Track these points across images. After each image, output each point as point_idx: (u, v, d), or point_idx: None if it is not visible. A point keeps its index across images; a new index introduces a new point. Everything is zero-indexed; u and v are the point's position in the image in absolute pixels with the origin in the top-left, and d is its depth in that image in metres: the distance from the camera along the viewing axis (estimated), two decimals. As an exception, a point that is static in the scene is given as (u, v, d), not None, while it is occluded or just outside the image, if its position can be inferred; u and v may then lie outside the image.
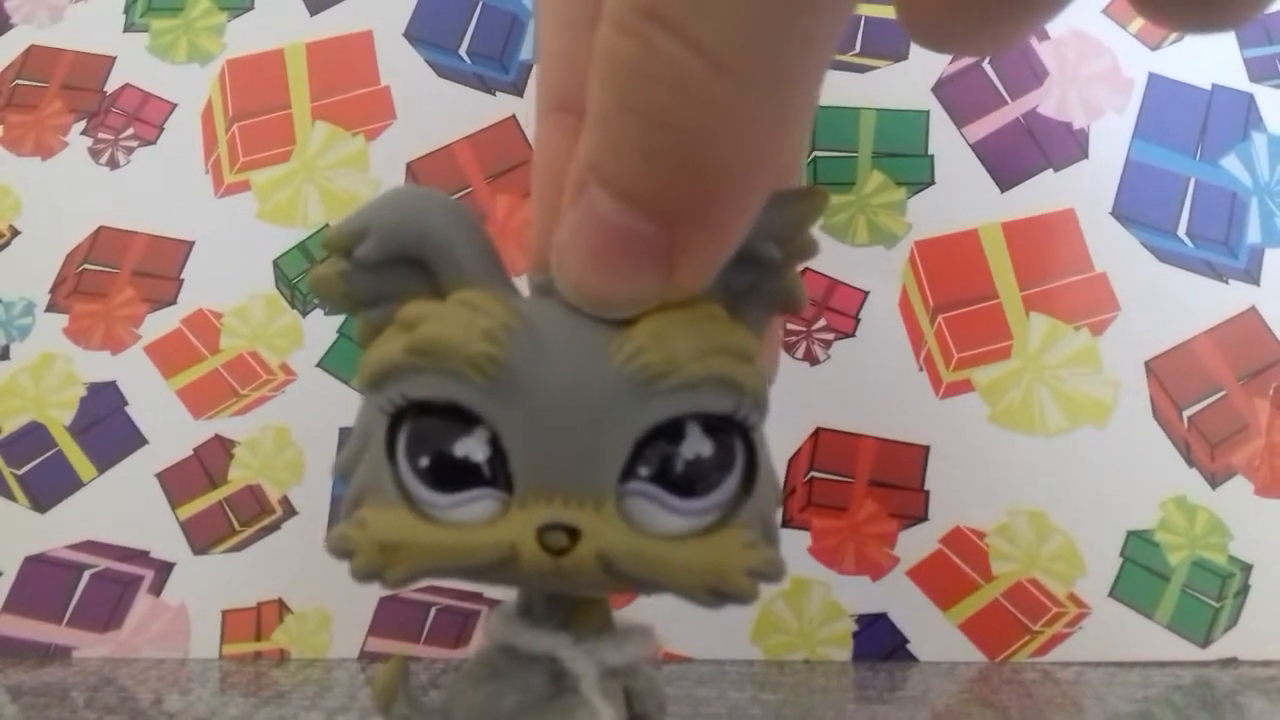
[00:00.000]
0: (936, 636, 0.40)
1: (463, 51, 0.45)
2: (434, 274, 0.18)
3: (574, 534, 0.17)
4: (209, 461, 0.42)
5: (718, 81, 0.14)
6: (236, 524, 0.42)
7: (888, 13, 0.43)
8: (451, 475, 0.17)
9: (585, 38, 0.20)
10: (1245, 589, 0.40)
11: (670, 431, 0.18)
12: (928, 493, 0.41)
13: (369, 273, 0.18)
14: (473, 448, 0.17)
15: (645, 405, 0.17)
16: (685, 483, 0.18)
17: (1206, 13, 0.17)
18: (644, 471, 0.17)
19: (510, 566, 0.17)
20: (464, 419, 0.17)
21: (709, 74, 0.14)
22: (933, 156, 0.43)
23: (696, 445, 0.18)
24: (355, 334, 0.19)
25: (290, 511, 0.42)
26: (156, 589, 0.42)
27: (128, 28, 0.46)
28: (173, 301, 0.44)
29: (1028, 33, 0.21)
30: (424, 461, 0.17)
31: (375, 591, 0.41)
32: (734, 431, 0.18)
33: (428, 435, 0.18)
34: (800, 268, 0.20)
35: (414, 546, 0.17)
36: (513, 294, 0.18)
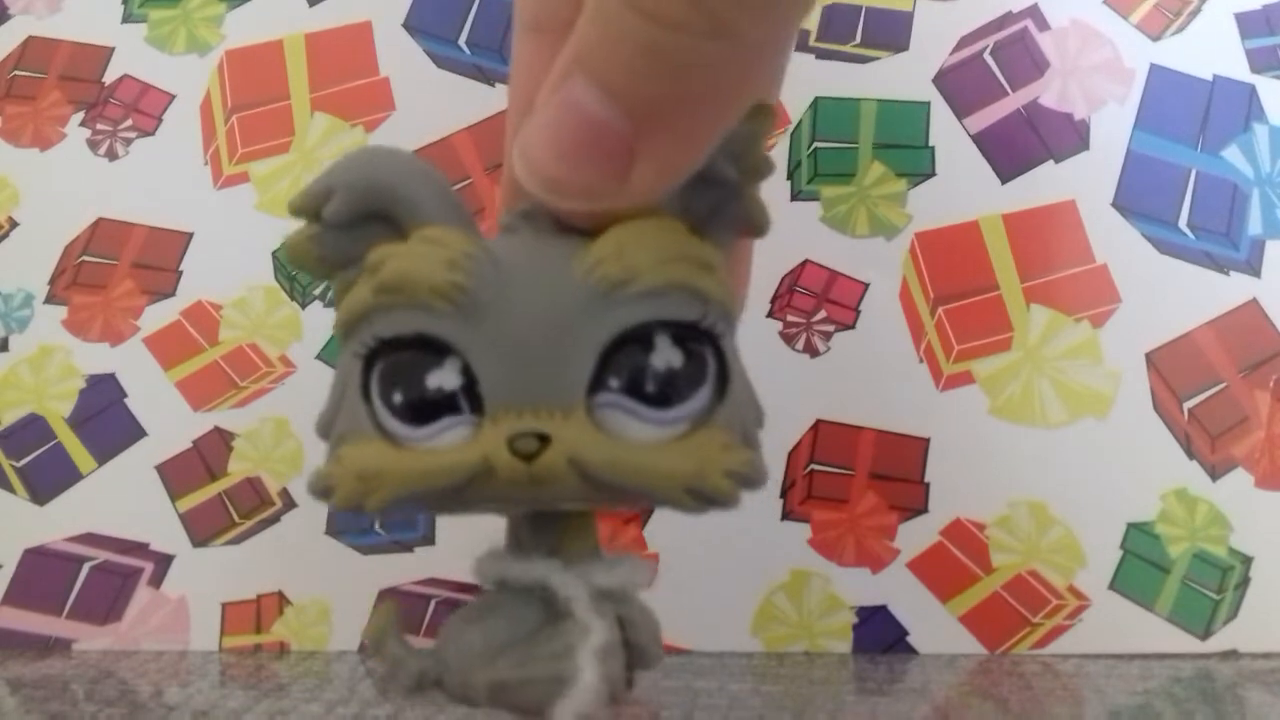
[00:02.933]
0: (936, 628, 0.40)
1: (462, 42, 0.45)
2: (402, 228, 0.18)
3: (545, 440, 0.17)
4: (208, 454, 0.42)
5: None
6: (236, 516, 0.42)
7: (888, 3, 0.43)
8: (425, 408, 0.18)
9: None
10: (1245, 581, 0.40)
11: (640, 341, 0.18)
12: (928, 485, 0.41)
13: (339, 233, 0.19)
14: (445, 378, 0.18)
15: (608, 314, 0.17)
16: (657, 392, 0.18)
17: None
18: (614, 383, 0.18)
19: (485, 481, 0.17)
20: (434, 350, 0.18)
21: None
22: (933, 148, 0.42)
23: (666, 355, 0.18)
24: (334, 300, 0.19)
25: (290, 504, 0.42)
26: (156, 581, 0.42)
27: (126, 18, 0.46)
28: (172, 293, 0.44)
29: None
30: (397, 397, 0.18)
31: (375, 584, 0.41)
32: (703, 340, 0.18)
33: (400, 371, 0.18)
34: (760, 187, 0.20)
35: (391, 472, 0.17)
36: (476, 234, 0.19)
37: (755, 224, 0.20)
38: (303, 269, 0.19)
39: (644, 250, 0.18)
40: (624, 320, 0.18)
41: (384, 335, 0.18)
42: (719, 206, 0.19)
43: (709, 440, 0.18)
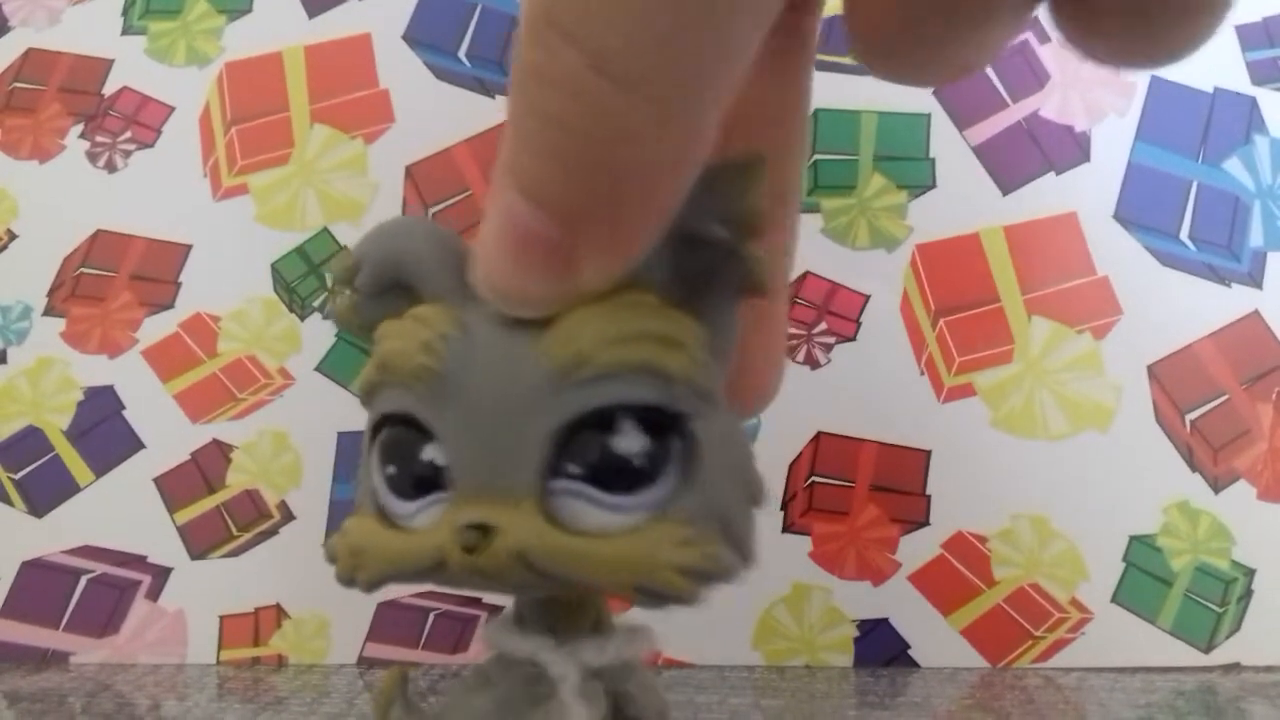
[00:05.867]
0: (938, 642, 0.40)
1: (461, 54, 0.45)
2: (419, 295, 0.19)
3: (489, 532, 0.17)
4: (207, 466, 0.42)
5: (613, 93, 0.14)
6: (234, 529, 0.42)
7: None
8: (413, 482, 0.18)
9: None
10: (1248, 594, 0.40)
11: (601, 426, 0.17)
12: (929, 497, 0.40)
13: (371, 300, 0.19)
14: (435, 454, 0.18)
15: (560, 399, 0.17)
16: (616, 478, 0.17)
17: (1141, 46, 0.17)
18: (573, 469, 0.17)
19: (442, 570, 0.17)
20: (421, 428, 0.18)
21: (604, 85, 0.14)
22: (934, 159, 0.42)
23: (629, 440, 0.17)
24: None
25: (288, 516, 0.42)
26: (154, 594, 0.42)
27: (126, 30, 0.46)
28: (170, 305, 0.43)
29: (981, 63, 0.20)
30: (390, 470, 0.18)
31: (373, 597, 0.41)
32: (671, 423, 0.17)
33: (393, 445, 0.18)
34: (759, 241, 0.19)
35: (372, 553, 0.18)
36: (472, 304, 0.18)
37: (756, 283, 0.19)
38: (350, 332, 0.20)
39: (597, 330, 0.17)
40: (577, 406, 0.17)
41: (382, 410, 0.18)
42: (714, 268, 0.18)
43: (663, 534, 0.17)
